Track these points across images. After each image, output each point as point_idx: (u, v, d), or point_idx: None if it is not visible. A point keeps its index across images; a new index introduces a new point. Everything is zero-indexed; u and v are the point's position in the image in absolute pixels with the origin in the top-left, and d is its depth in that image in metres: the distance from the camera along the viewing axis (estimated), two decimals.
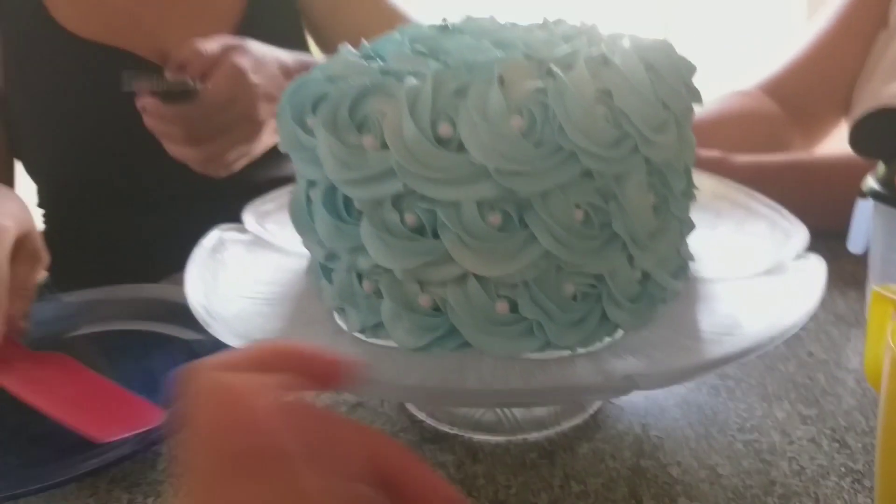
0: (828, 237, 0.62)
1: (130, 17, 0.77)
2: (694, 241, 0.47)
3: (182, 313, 0.46)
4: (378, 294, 0.37)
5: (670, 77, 0.38)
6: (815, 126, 0.89)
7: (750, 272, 0.44)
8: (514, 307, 0.36)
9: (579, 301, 0.37)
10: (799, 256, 0.43)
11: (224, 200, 0.59)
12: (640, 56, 0.38)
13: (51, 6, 0.75)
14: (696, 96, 0.42)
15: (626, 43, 0.39)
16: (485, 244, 0.35)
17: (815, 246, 0.56)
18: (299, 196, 0.40)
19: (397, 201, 0.36)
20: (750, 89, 0.91)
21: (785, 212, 0.49)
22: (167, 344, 0.53)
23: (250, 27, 0.79)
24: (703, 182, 0.55)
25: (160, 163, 0.77)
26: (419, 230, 0.36)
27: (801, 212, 0.56)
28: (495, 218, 0.35)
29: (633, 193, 0.37)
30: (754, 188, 0.55)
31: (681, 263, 0.43)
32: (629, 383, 0.31)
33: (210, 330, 0.38)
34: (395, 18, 0.87)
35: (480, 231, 0.35)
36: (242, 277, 0.45)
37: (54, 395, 0.46)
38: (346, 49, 0.41)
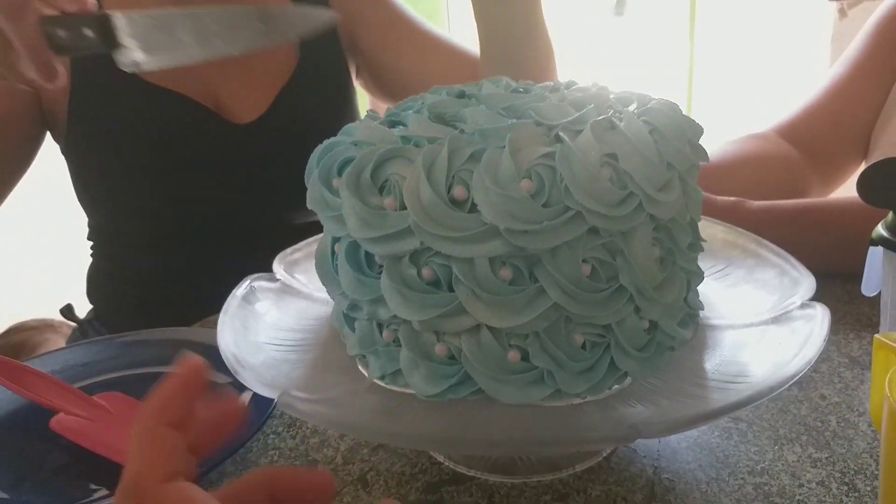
0: (845, 279, 0.64)
1: (192, 66, 0.82)
2: (704, 289, 0.49)
3: (215, 356, 0.50)
4: (397, 343, 0.40)
5: (674, 138, 0.41)
6: (833, 170, 0.89)
7: (757, 319, 0.45)
8: (525, 356, 0.38)
9: (588, 350, 0.39)
10: (805, 305, 0.45)
11: (263, 240, 0.62)
12: (645, 119, 0.40)
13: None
14: (701, 155, 0.44)
15: (632, 107, 0.42)
16: (497, 297, 0.37)
17: (831, 288, 0.58)
18: (325, 250, 0.43)
19: (415, 257, 0.38)
20: (766, 132, 0.91)
21: (793, 260, 0.50)
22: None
23: (302, 79, 0.84)
24: (716, 230, 0.57)
25: (209, 202, 0.82)
26: (435, 284, 0.38)
27: (817, 255, 0.57)
28: (506, 273, 0.37)
29: (638, 248, 0.39)
30: (770, 232, 0.57)
31: (689, 312, 0.45)
32: (634, 432, 0.33)
33: (239, 378, 0.40)
34: (440, 51, 0.90)
35: (492, 285, 0.37)
36: (271, 325, 0.48)
37: (114, 436, 0.49)
38: (371, 115, 0.45)
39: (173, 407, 0.28)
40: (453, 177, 0.37)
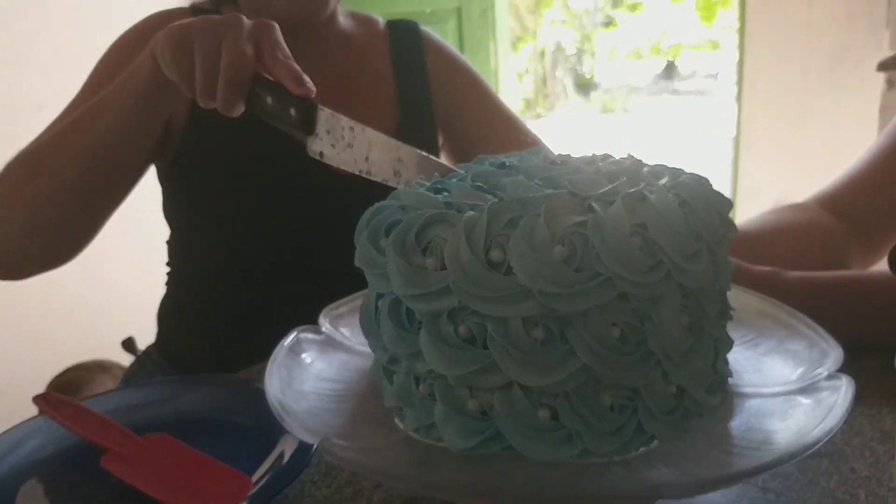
0: (881, 353, 0.63)
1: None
2: (735, 357, 0.50)
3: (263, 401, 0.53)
4: (432, 397, 0.42)
5: (703, 210, 0.43)
6: (874, 242, 0.89)
7: (785, 389, 0.46)
8: (554, 415, 0.40)
9: (616, 412, 0.41)
10: (832, 376, 0.45)
11: (337, 287, 0.65)
12: (675, 192, 0.42)
13: None
14: (730, 227, 0.46)
15: (663, 180, 0.44)
16: (529, 356, 0.39)
17: (867, 361, 0.58)
18: (369, 305, 0.46)
19: (452, 315, 0.41)
20: (806, 202, 0.91)
21: (823, 332, 0.51)
22: (237, 429, 0.58)
23: (400, 137, 0.90)
24: (748, 300, 0.58)
25: (294, 245, 0.86)
26: (470, 341, 0.40)
27: (853, 327, 0.57)
28: (539, 333, 0.39)
29: (666, 315, 0.40)
30: (806, 304, 0.57)
31: (717, 379, 0.46)
32: (656, 492, 0.34)
33: (284, 424, 0.43)
34: (525, 141, 0.98)
35: (525, 344, 0.39)
36: (315, 375, 0.51)
37: (161, 476, 0.52)
38: (418, 182, 0.48)
39: None
40: (491, 241, 0.39)
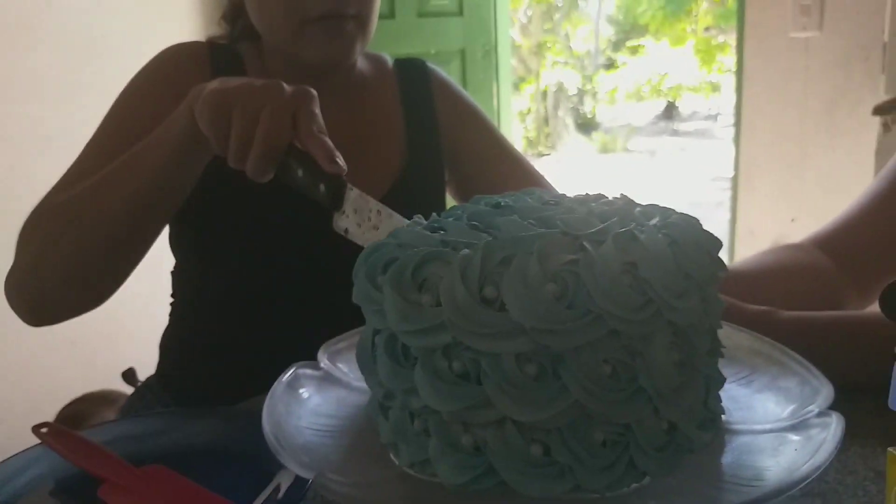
0: (875, 393, 0.64)
1: None
2: (729, 394, 0.51)
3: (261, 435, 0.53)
4: (427, 433, 0.43)
5: (693, 250, 0.44)
6: (870, 283, 0.89)
7: (776, 426, 0.47)
8: (547, 451, 0.41)
9: (609, 448, 0.41)
10: (822, 413, 0.46)
11: (345, 324, 0.65)
12: (666, 232, 0.44)
13: None
14: (720, 266, 0.47)
15: (654, 220, 0.45)
16: (521, 392, 0.40)
17: (861, 401, 0.58)
18: (366, 341, 0.47)
19: (447, 350, 0.42)
20: (802, 243, 0.92)
21: (814, 370, 0.52)
22: (235, 461, 0.58)
23: (408, 181, 0.92)
24: (741, 338, 0.59)
25: (303, 283, 0.86)
26: (464, 376, 0.41)
27: (847, 367, 0.57)
28: (531, 369, 0.40)
29: (657, 352, 0.41)
30: (800, 343, 0.58)
31: (709, 416, 0.46)
32: None
33: (280, 458, 0.43)
34: (533, 184, 0.97)
35: (518, 380, 0.40)
36: (311, 411, 0.51)
37: None
38: (416, 220, 0.49)
39: None
40: (485, 278, 0.41)
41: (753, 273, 0.86)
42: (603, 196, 0.52)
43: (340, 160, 0.59)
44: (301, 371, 0.55)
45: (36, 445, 0.59)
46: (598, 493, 0.41)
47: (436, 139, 0.97)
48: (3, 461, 0.58)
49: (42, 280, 0.75)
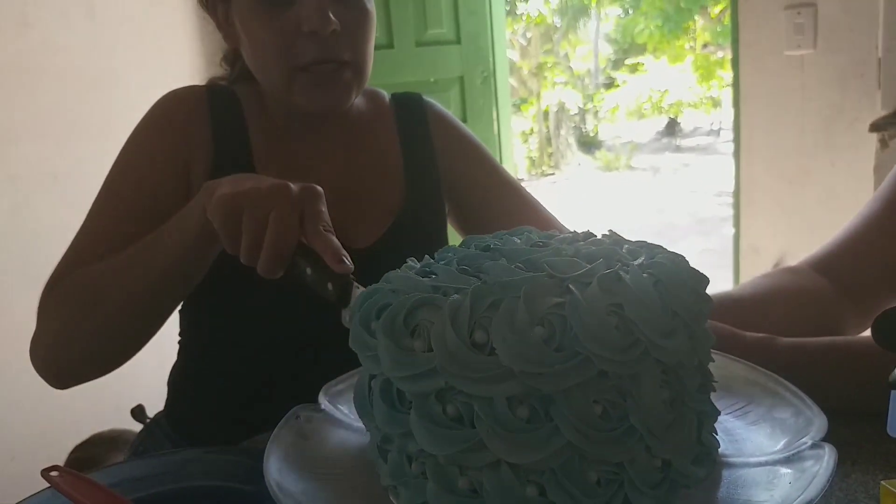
0: (874, 419, 0.64)
1: None
2: (726, 426, 0.51)
3: (257, 473, 0.53)
4: (424, 476, 0.44)
5: (678, 288, 0.45)
6: (868, 304, 0.88)
7: (770, 459, 0.47)
8: (542, 491, 0.41)
9: (603, 487, 0.42)
10: (816, 445, 0.46)
11: (339, 364, 0.66)
12: (651, 272, 0.45)
13: (259, 168, 0.88)
14: (706, 302, 0.47)
15: (639, 260, 0.46)
16: (514, 434, 0.41)
17: (860, 427, 0.59)
18: (363, 386, 0.48)
19: (440, 395, 0.42)
20: (799, 266, 0.91)
21: (808, 400, 0.52)
22: (240, 500, 0.59)
23: (408, 216, 0.93)
24: (737, 369, 0.59)
25: (307, 320, 0.84)
26: (458, 420, 0.42)
27: (846, 393, 0.58)
28: (523, 411, 0.41)
29: (646, 390, 0.42)
30: (800, 371, 0.58)
31: (703, 451, 0.47)
32: None
33: None
34: (531, 212, 0.99)
35: (510, 423, 0.41)
36: (313, 453, 0.52)
37: None
38: (410, 263, 0.50)
39: None
40: (475, 323, 0.42)
41: (751, 299, 0.85)
42: (591, 235, 0.54)
43: (347, 259, 0.61)
44: (303, 413, 0.56)
45: (45, 489, 0.59)
46: None
47: (434, 174, 0.97)
48: None
49: (67, 355, 0.80)
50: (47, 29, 1.94)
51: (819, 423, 0.49)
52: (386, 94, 1.02)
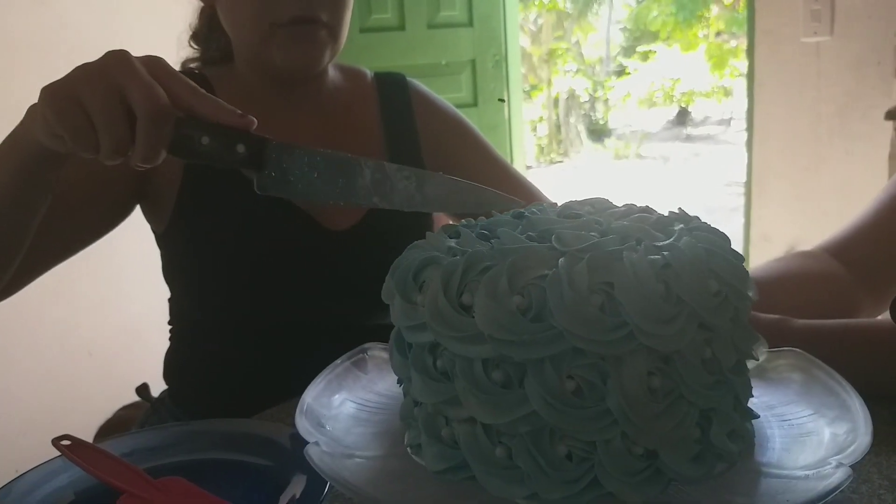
0: (891, 400, 0.63)
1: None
2: (770, 432, 0.50)
3: (272, 449, 0.57)
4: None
5: (692, 276, 0.42)
6: (883, 289, 0.87)
7: (791, 473, 0.45)
8: (509, 454, 0.42)
9: (575, 463, 0.42)
10: (838, 465, 0.44)
11: (337, 339, 0.66)
12: (666, 254, 0.43)
13: None
14: (739, 296, 0.45)
15: (649, 242, 0.45)
16: (486, 395, 0.42)
17: (876, 409, 0.58)
18: (393, 333, 0.50)
19: (432, 348, 0.45)
20: (814, 250, 0.90)
21: (867, 420, 0.49)
22: (251, 472, 0.59)
23: None
24: (820, 375, 0.56)
25: (293, 300, 0.86)
26: (444, 374, 0.44)
27: (861, 375, 0.57)
28: (498, 375, 0.42)
29: (628, 375, 0.41)
30: (813, 352, 0.57)
31: (708, 450, 0.45)
32: None
33: (297, 422, 0.47)
34: (522, 193, 0.97)
35: (483, 384, 0.42)
36: (364, 386, 0.57)
37: None
38: (465, 223, 0.52)
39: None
40: (465, 286, 0.43)
41: (765, 281, 0.85)
42: (648, 210, 0.52)
43: (247, 115, 0.55)
44: (371, 350, 0.60)
45: (56, 458, 0.60)
46: (557, 503, 0.41)
47: (417, 156, 0.96)
48: (24, 473, 0.59)
49: None
50: (62, 6, 1.94)
51: (858, 446, 0.46)
52: (368, 73, 1.00)
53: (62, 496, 0.57)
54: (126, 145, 0.53)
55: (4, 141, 0.62)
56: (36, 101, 0.56)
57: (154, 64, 0.55)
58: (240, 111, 0.55)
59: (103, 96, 0.52)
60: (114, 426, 1.15)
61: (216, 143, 0.55)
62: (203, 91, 0.56)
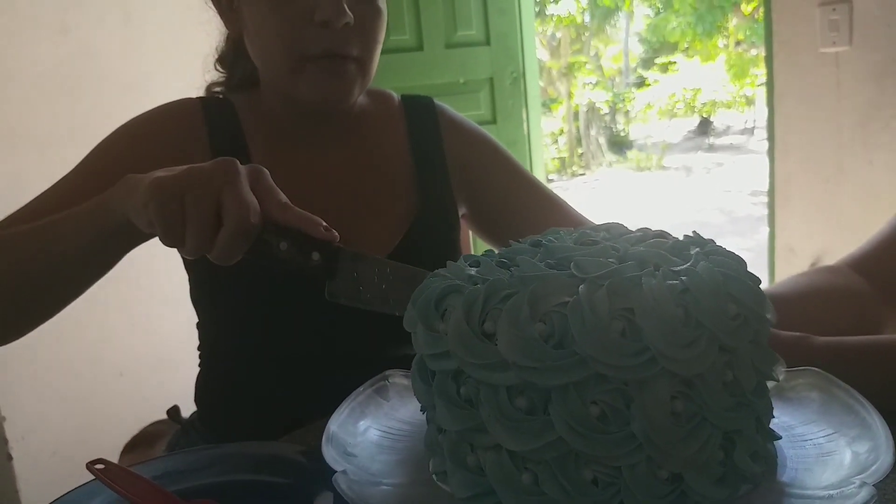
0: None
1: (323, 208, 0.87)
2: (793, 452, 0.51)
3: (297, 470, 0.58)
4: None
5: (710, 299, 0.43)
6: None
7: (815, 493, 0.45)
8: (536, 481, 0.43)
9: (601, 487, 0.42)
10: (862, 485, 0.44)
11: (362, 367, 0.67)
12: (685, 279, 0.44)
13: None
14: (758, 319, 0.46)
15: (681, 266, 0.46)
16: (511, 422, 0.42)
17: None
18: (416, 361, 0.51)
19: (456, 376, 0.46)
20: (837, 265, 0.89)
21: (888, 438, 0.48)
22: (278, 493, 0.60)
23: (422, 225, 0.91)
24: (839, 393, 0.56)
25: (321, 329, 0.86)
26: (469, 401, 0.45)
27: (883, 393, 0.57)
28: (522, 402, 0.43)
29: (652, 400, 0.41)
30: (836, 370, 0.57)
31: (732, 472, 0.45)
32: None
33: (324, 452, 0.48)
34: (558, 212, 0.98)
35: (508, 410, 0.43)
36: (387, 414, 0.58)
37: None
38: (463, 258, 0.53)
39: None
40: (486, 314, 0.44)
41: (788, 297, 0.84)
42: (663, 234, 0.53)
43: (330, 228, 0.58)
44: (392, 376, 0.61)
45: (90, 482, 0.61)
46: None
47: (446, 180, 0.95)
48: (60, 497, 0.60)
49: None
50: (85, 35, 1.97)
51: (880, 464, 0.46)
52: (395, 96, 0.99)
53: None
54: (208, 250, 0.58)
55: (91, 203, 0.67)
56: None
57: (256, 176, 0.59)
58: (325, 223, 0.58)
59: (203, 204, 0.56)
60: (140, 441, 1.17)
61: (294, 249, 0.59)
62: (292, 206, 0.59)
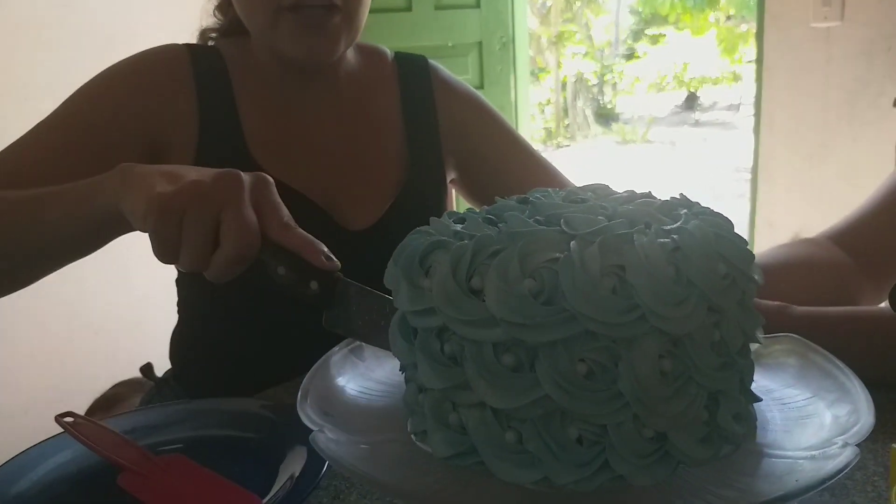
0: (889, 388, 0.63)
1: (311, 170, 0.86)
2: (771, 415, 0.51)
3: (271, 427, 0.59)
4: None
5: (701, 259, 0.43)
6: (885, 278, 0.86)
7: (797, 454, 0.45)
8: (520, 439, 0.42)
9: (585, 446, 0.42)
10: (844, 445, 0.44)
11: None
12: (676, 237, 0.43)
13: (251, 146, 0.84)
14: (746, 279, 0.46)
15: (672, 224, 0.45)
16: (497, 379, 0.42)
17: (874, 396, 0.58)
18: (396, 318, 0.49)
19: (440, 333, 0.44)
20: (818, 238, 0.90)
21: (868, 400, 0.49)
22: (250, 449, 0.60)
23: (410, 193, 0.89)
24: (816, 358, 0.56)
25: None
26: (452, 358, 0.44)
27: (860, 362, 0.57)
28: (509, 359, 0.42)
29: (640, 358, 0.41)
30: (813, 339, 0.57)
31: (715, 432, 0.45)
32: None
33: (299, 409, 0.47)
34: (548, 178, 0.96)
35: (494, 368, 0.42)
36: (363, 374, 0.57)
37: (175, 495, 0.54)
38: (447, 214, 0.52)
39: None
40: (474, 270, 0.43)
41: (768, 267, 0.84)
42: (650, 196, 0.52)
43: (331, 256, 0.56)
44: None
45: (59, 434, 0.60)
46: (567, 486, 0.41)
47: (437, 144, 0.94)
48: (27, 449, 0.60)
49: None
50: None
51: (862, 426, 0.46)
52: (389, 53, 0.96)
53: (64, 472, 0.58)
54: (203, 268, 0.55)
55: (82, 188, 0.64)
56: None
57: (260, 188, 0.56)
58: (326, 250, 0.56)
59: (201, 227, 0.54)
60: (105, 402, 1.16)
61: (292, 275, 0.56)
62: (294, 226, 0.56)
